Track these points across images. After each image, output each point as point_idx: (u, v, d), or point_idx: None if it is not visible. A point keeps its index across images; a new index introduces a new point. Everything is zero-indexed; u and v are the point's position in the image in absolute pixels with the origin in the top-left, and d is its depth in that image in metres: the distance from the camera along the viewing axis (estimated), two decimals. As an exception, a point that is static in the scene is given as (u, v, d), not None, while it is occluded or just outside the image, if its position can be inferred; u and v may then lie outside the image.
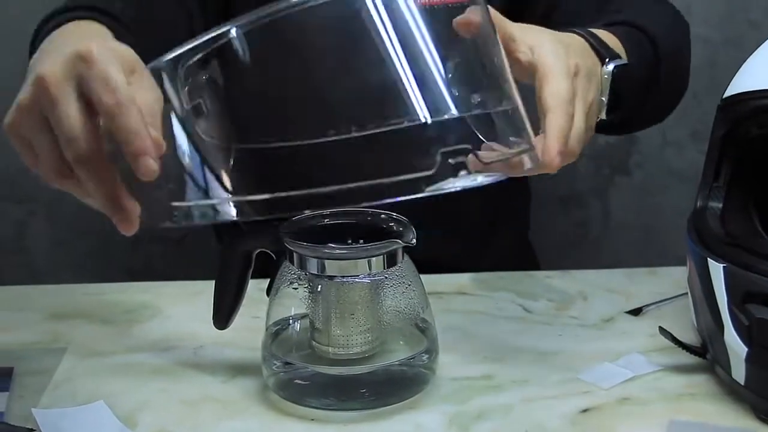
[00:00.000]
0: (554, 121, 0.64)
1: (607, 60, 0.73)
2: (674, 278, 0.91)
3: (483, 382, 0.74)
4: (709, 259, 0.70)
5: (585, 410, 0.70)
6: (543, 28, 0.71)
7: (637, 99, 0.84)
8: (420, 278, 0.73)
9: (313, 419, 0.69)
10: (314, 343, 0.71)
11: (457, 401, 0.71)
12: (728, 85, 0.75)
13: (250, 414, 0.70)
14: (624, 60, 0.75)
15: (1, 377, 0.74)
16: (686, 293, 0.77)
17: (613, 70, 0.74)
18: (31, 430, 0.67)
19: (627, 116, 0.81)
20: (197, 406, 0.71)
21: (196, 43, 0.58)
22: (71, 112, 0.55)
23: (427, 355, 0.72)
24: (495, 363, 0.77)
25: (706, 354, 0.73)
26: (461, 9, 0.60)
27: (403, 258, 0.71)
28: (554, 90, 0.65)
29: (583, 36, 0.75)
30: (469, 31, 0.60)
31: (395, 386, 0.71)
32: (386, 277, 0.71)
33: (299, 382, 0.71)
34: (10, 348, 0.80)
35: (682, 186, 1.51)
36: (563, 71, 0.66)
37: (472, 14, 0.60)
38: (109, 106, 0.54)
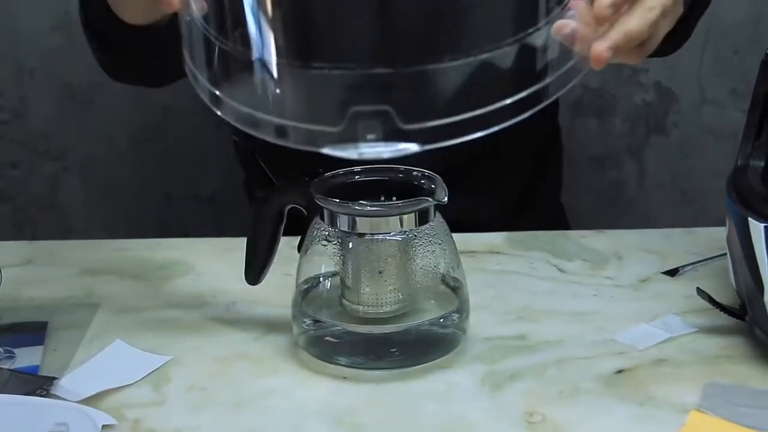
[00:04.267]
0: (626, 22, 0.59)
1: None
2: (712, 239, 0.89)
3: (516, 342, 0.73)
4: (749, 218, 0.69)
5: (620, 371, 0.69)
6: None
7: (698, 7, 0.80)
8: (452, 237, 0.72)
9: (344, 377, 0.69)
10: (344, 301, 0.71)
11: (489, 361, 0.71)
12: (773, 40, 0.73)
13: (281, 371, 0.70)
14: None
15: (36, 331, 0.75)
16: (724, 254, 0.76)
17: None
18: (54, 378, 0.67)
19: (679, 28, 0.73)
20: (229, 362, 0.71)
21: None
22: None
23: (458, 315, 0.71)
24: (528, 323, 0.76)
25: (745, 316, 0.72)
26: None
27: (435, 216, 0.70)
28: None
29: None
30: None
31: (426, 346, 0.70)
32: (417, 235, 0.70)
33: (329, 340, 0.70)
34: (44, 302, 0.81)
35: (721, 146, 1.48)
36: None
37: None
38: None
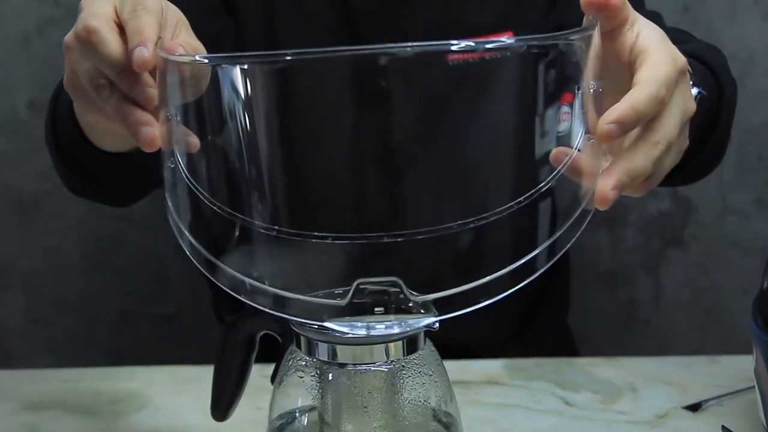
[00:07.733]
0: (633, 94, 0.59)
1: (691, 83, 0.69)
2: (738, 368, 0.90)
3: (517, 488, 0.73)
4: (777, 347, 0.70)
5: None
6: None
7: (698, 138, 0.83)
8: (444, 366, 0.73)
9: None
10: (323, 440, 0.71)
11: None
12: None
13: None
14: (704, 91, 0.71)
15: (-33, 476, 0.74)
16: (752, 387, 0.77)
17: (697, 96, 0.69)
18: None
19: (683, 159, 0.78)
20: None
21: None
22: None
23: (452, 456, 0.71)
24: (531, 465, 0.76)
25: (776, 458, 0.72)
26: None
27: (425, 344, 0.71)
28: (652, 71, 0.60)
29: None
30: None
31: (416, 491, 0.70)
32: (405, 366, 0.70)
33: (306, 485, 0.70)
34: (-23, 442, 0.80)
35: (746, 260, 1.50)
36: (668, 61, 0.62)
37: None
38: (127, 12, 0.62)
